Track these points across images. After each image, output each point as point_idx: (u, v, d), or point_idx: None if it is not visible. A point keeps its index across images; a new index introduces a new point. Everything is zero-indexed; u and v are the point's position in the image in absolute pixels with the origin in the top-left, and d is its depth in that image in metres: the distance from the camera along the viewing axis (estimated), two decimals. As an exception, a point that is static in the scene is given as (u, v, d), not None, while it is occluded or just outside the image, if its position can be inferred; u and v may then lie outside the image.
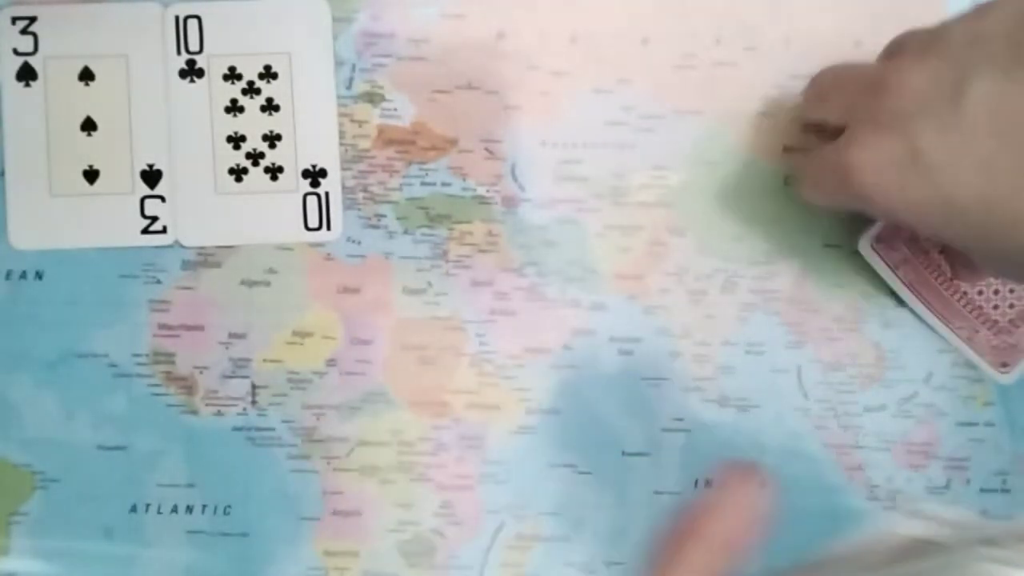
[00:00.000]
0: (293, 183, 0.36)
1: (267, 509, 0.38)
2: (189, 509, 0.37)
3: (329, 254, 0.37)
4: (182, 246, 0.36)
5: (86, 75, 0.36)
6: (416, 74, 0.37)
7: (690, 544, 0.26)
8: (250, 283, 0.37)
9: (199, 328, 0.37)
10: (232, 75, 0.36)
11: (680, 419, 0.38)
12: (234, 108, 0.36)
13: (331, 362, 0.37)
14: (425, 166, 0.37)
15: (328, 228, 0.36)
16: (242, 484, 0.37)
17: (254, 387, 0.37)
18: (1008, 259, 0.31)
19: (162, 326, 0.37)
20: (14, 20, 0.36)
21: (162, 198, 0.36)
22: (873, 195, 0.31)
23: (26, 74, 0.36)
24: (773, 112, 0.38)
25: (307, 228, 0.36)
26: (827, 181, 0.33)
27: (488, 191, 0.37)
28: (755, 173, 0.38)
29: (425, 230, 0.37)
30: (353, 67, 0.37)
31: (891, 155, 0.31)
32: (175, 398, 0.37)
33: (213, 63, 0.36)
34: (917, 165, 0.30)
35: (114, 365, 0.37)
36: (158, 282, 0.37)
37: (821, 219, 0.38)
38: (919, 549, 0.26)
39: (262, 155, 0.36)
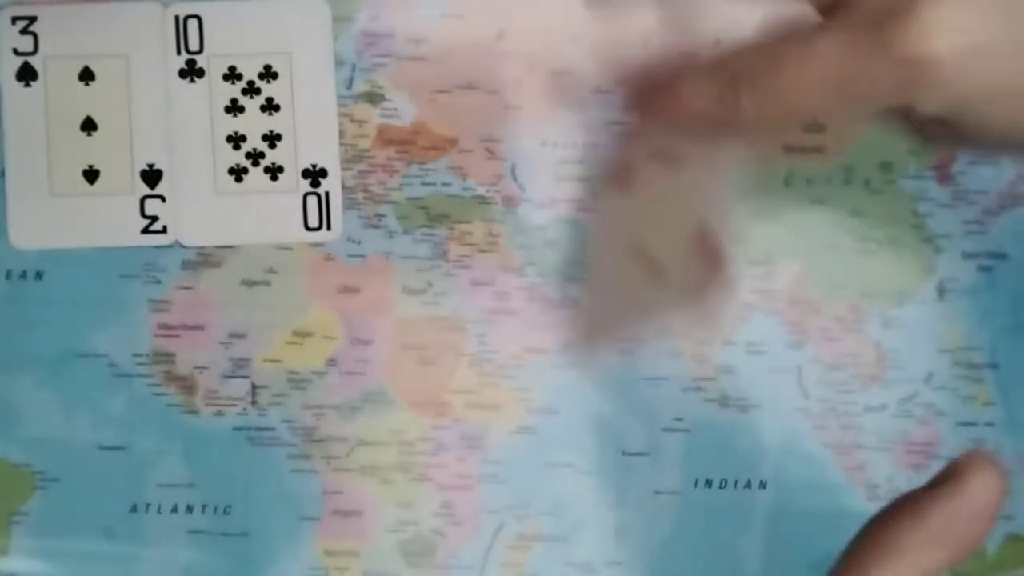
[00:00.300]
0: (293, 183, 0.36)
1: (267, 509, 0.38)
2: (189, 509, 0.37)
3: (329, 254, 0.37)
4: (182, 246, 0.36)
5: (86, 75, 0.36)
6: (416, 74, 0.37)
7: (918, 540, 0.25)
8: (250, 283, 0.37)
9: (199, 328, 0.37)
10: (232, 75, 0.36)
11: (680, 419, 0.38)
12: (234, 108, 0.36)
13: (331, 362, 0.37)
14: (425, 166, 0.37)
15: (328, 228, 0.36)
16: (242, 484, 0.37)
17: (254, 387, 0.37)
18: None
19: (162, 326, 0.37)
20: (14, 20, 0.36)
21: (162, 198, 0.36)
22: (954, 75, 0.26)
23: (26, 74, 0.36)
24: (773, 112, 0.38)
25: (307, 228, 0.36)
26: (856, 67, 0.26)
27: (488, 191, 0.37)
28: (755, 172, 0.38)
29: (425, 230, 0.37)
30: (353, 67, 0.37)
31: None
32: (175, 398, 0.37)
33: (213, 63, 0.36)
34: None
35: (114, 365, 0.37)
36: (158, 282, 0.37)
37: (821, 218, 0.38)
38: None
39: (262, 155, 0.36)
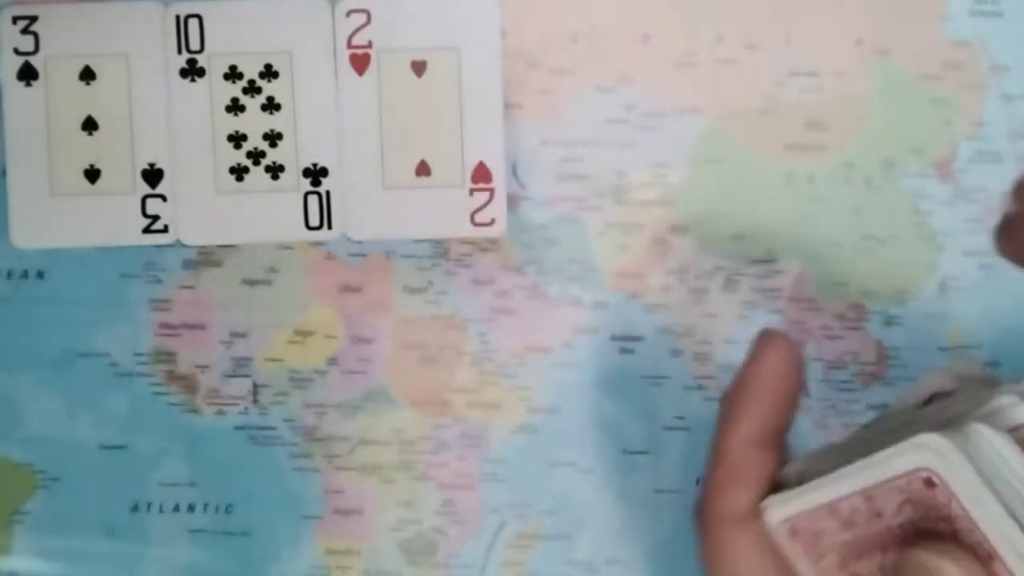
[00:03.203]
0: (294, 182, 0.36)
1: (269, 508, 0.38)
2: (191, 508, 0.38)
3: (330, 253, 0.37)
4: (183, 245, 0.36)
5: (87, 74, 0.36)
6: (417, 73, 0.37)
7: (744, 399, 0.30)
8: (251, 282, 0.37)
9: (200, 327, 0.37)
10: (233, 74, 0.36)
11: (681, 417, 0.38)
12: (235, 107, 0.36)
13: (332, 361, 0.37)
14: (426, 165, 0.37)
15: (329, 227, 0.36)
16: (244, 483, 0.38)
17: (255, 386, 0.37)
18: None
19: (163, 325, 0.37)
20: (15, 20, 0.36)
21: (163, 197, 0.36)
22: None
23: (27, 73, 0.36)
24: (774, 109, 0.38)
25: (308, 227, 0.36)
26: None
27: (489, 190, 0.37)
28: (756, 171, 0.38)
29: (426, 229, 0.37)
30: (354, 66, 0.37)
31: None
32: (177, 397, 0.37)
33: (214, 62, 0.36)
34: None
35: (115, 364, 0.37)
36: (159, 281, 0.37)
37: (823, 217, 0.38)
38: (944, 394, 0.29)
39: (263, 154, 0.36)
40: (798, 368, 0.30)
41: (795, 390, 0.30)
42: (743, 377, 0.30)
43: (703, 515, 0.30)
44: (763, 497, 0.30)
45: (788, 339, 0.30)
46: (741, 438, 0.30)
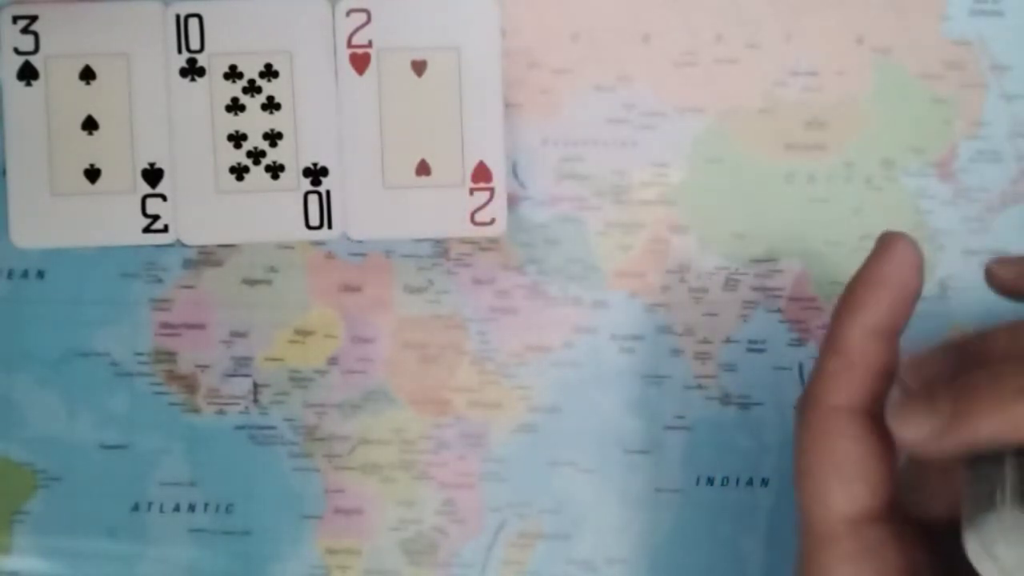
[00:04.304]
0: (294, 182, 0.36)
1: (269, 507, 0.38)
2: (191, 507, 0.38)
3: (330, 252, 0.37)
4: (183, 245, 0.36)
5: (87, 74, 0.36)
6: (417, 72, 0.37)
7: (867, 288, 0.30)
8: (251, 282, 0.37)
9: (200, 327, 0.37)
10: (233, 74, 0.36)
11: (682, 417, 0.38)
12: (235, 107, 0.36)
13: (332, 360, 0.37)
14: (426, 164, 0.37)
15: (329, 226, 0.36)
16: (244, 482, 0.38)
17: (256, 386, 0.37)
18: None
19: (163, 325, 0.37)
20: (15, 19, 0.36)
21: (163, 197, 0.36)
22: None
23: (27, 73, 0.36)
24: (775, 109, 0.38)
25: (308, 227, 0.36)
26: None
27: (489, 189, 0.37)
28: (757, 170, 0.38)
29: (426, 228, 0.37)
30: (354, 65, 0.37)
31: None
32: (177, 397, 0.37)
33: (214, 62, 0.36)
34: None
35: (116, 364, 0.37)
36: (159, 281, 0.37)
37: (823, 216, 0.38)
38: None
39: (263, 154, 0.36)
40: (918, 262, 0.30)
41: (914, 288, 0.30)
42: (866, 269, 0.30)
43: (812, 403, 0.30)
44: (874, 394, 0.29)
45: (910, 239, 0.30)
46: (861, 326, 0.29)
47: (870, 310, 0.30)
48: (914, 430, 0.27)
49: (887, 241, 0.30)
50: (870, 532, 0.29)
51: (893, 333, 0.30)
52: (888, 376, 0.30)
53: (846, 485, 0.29)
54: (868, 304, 0.30)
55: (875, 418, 0.29)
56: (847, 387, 0.29)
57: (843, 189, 0.38)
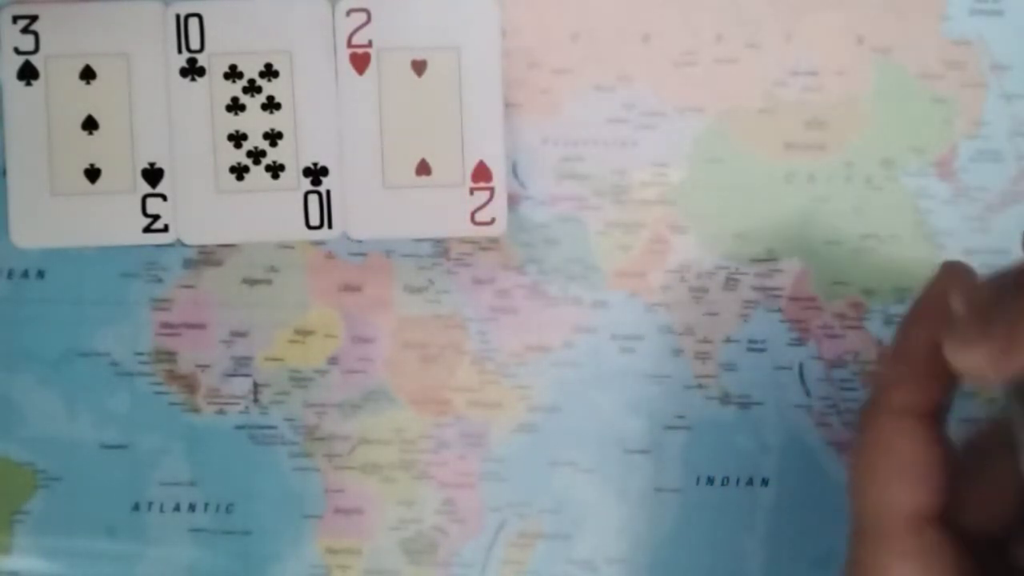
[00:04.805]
0: (294, 181, 0.36)
1: (269, 507, 0.38)
2: (191, 507, 0.38)
3: (330, 252, 0.37)
4: (183, 244, 0.36)
5: (87, 74, 0.36)
6: (417, 72, 0.37)
7: (936, 301, 0.31)
8: (251, 281, 0.37)
9: (201, 327, 0.37)
10: (233, 73, 0.36)
11: (682, 416, 0.38)
12: (235, 106, 0.36)
13: (333, 360, 0.37)
14: (426, 164, 0.37)
15: (329, 226, 0.36)
16: (244, 482, 0.38)
17: (256, 385, 0.37)
18: None
19: (164, 325, 0.37)
20: (15, 19, 0.36)
21: (163, 197, 0.36)
22: None
23: (27, 73, 0.36)
24: (775, 108, 0.38)
25: (308, 226, 0.36)
26: None
27: (489, 189, 0.37)
28: (757, 170, 0.38)
29: (426, 228, 0.37)
30: (354, 65, 0.37)
31: None
32: (177, 396, 0.37)
33: (214, 62, 0.36)
34: None
35: (116, 364, 0.37)
36: (159, 281, 0.37)
37: (823, 216, 0.38)
38: None
39: (263, 153, 0.36)
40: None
41: None
42: (933, 285, 0.32)
43: (879, 406, 0.31)
44: (939, 399, 0.30)
45: (970, 268, 0.32)
46: (928, 336, 0.30)
47: (936, 322, 0.30)
48: (971, 357, 0.28)
49: (950, 265, 0.32)
50: (929, 533, 0.30)
51: None
52: (950, 386, 0.31)
53: (908, 485, 0.30)
54: (934, 316, 0.31)
55: (937, 425, 0.31)
56: (913, 393, 0.31)
57: (843, 189, 0.38)
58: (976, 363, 0.28)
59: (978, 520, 0.31)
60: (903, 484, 0.30)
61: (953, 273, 0.32)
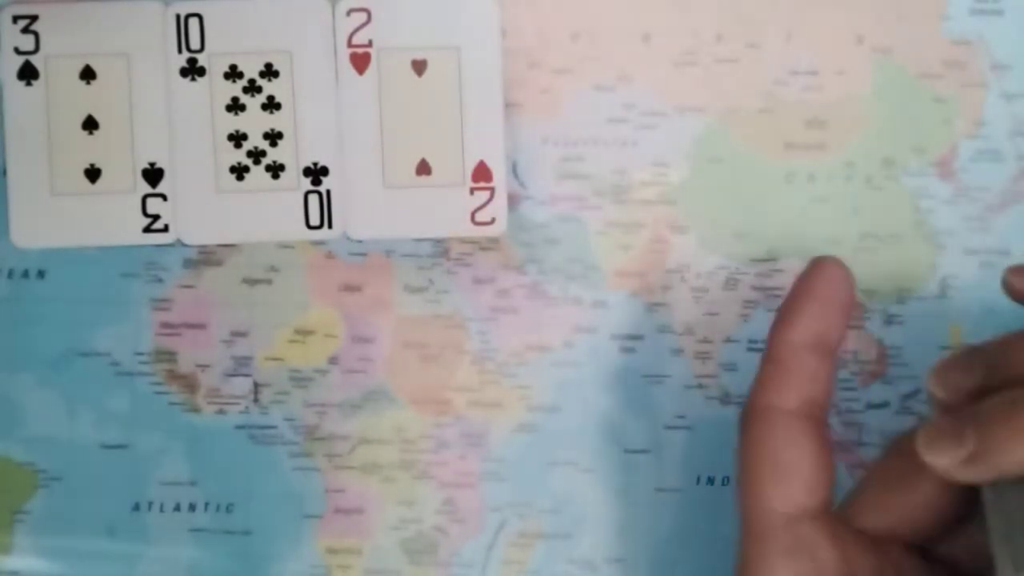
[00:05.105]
0: (294, 181, 0.36)
1: (269, 507, 0.38)
2: (192, 507, 0.38)
3: (330, 252, 0.37)
4: (184, 244, 0.36)
5: (87, 74, 0.36)
6: (417, 72, 0.37)
7: (796, 302, 0.33)
8: (252, 281, 0.37)
9: (201, 326, 0.37)
10: (233, 73, 0.36)
11: (682, 416, 0.38)
12: (235, 106, 0.36)
13: (333, 360, 0.37)
14: (426, 164, 0.37)
15: (329, 226, 0.36)
16: (244, 482, 0.38)
17: (256, 385, 0.37)
18: None
19: (164, 324, 0.37)
20: (15, 19, 0.36)
21: (164, 196, 0.36)
22: None
23: (27, 73, 0.36)
24: (775, 108, 0.38)
25: (308, 226, 0.36)
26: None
27: (489, 189, 0.37)
28: (757, 170, 0.38)
29: (426, 228, 0.37)
30: (354, 65, 0.37)
31: None
32: (177, 396, 0.37)
33: (214, 61, 0.36)
34: None
35: (116, 364, 0.37)
36: (160, 280, 0.37)
37: (823, 215, 0.38)
38: None
39: (263, 153, 0.36)
40: (847, 281, 0.33)
41: (845, 301, 0.33)
42: (798, 284, 0.33)
43: (751, 407, 0.32)
44: (809, 399, 0.31)
45: (838, 260, 0.33)
46: (791, 337, 0.32)
47: (802, 321, 0.32)
48: (943, 459, 0.29)
49: (817, 262, 0.33)
50: (805, 529, 0.31)
51: (826, 342, 0.32)
52: (822, 383, 0.32)
53: (782, 483, 0.31)
54: (797, 317, 0.32)
55: (810, 422, 0.31)
56: (784, 392, 0.32)
57: (843, 188, 0.38)
58: (948, 465, 0.28)
59: (888, 524, 0.31)
60: (778, 483, 0.31)
61: (822, 269, 0.33)
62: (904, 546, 0.32)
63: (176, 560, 0.37)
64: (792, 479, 0.31)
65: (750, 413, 0.32)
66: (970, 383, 0.30)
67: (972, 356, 0.30)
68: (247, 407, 0.37)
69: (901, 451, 0.31)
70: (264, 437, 0.37)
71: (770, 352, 0.32)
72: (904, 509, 0.31)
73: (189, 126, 0.36)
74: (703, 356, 0.38)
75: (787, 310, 0.33)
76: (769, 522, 0.31)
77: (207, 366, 0.37)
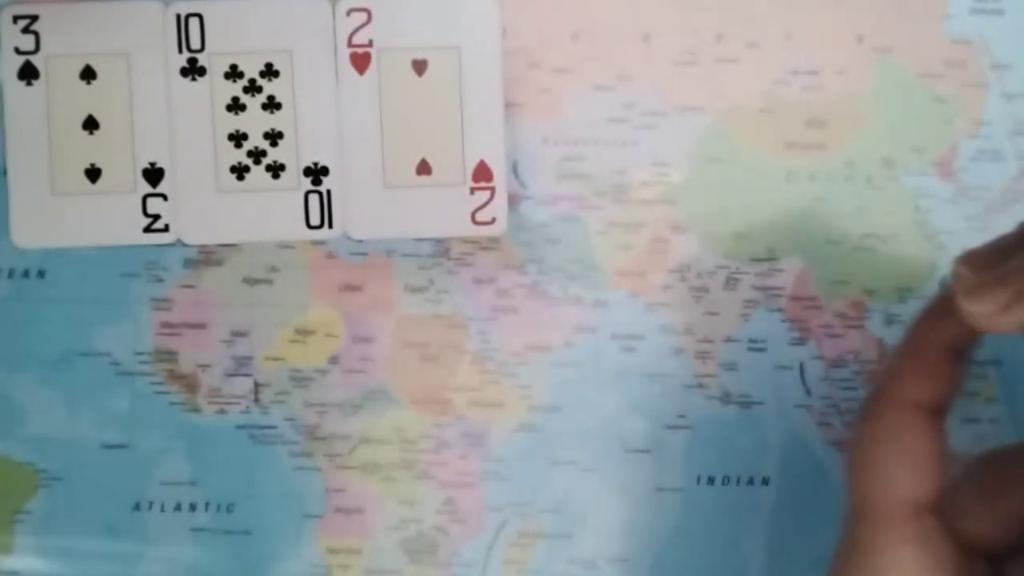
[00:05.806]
0: (295, 181, 0.36)
1: (270, 507, 0.38)
2: (192, 507, 0.38)
3: (331, 252, 0.37)
4: (184, 244, 0.36)
5: (88, 74, 0.36)
6: (417, 72, 0.37)
7: (950, 305, 0.31)
8: (252, 281, 0.37)
9: (201, 326, 0.37)
10: (233, 73, 0.36)
11: (683, 416, 0.38)
12: (236, 106, 0.36)
13: (333, 360, 0.37)
14: (426, 164, 0.37)
15: (330, 226, 0.36)
16: (245, 482, 0.38)
17: (256, 385, 0.37)
18: None
19: (164, 324, 0.37)
20: (16, 19, 0.36)
21: (164, 196, 0.36)
22: None
23: (28, 73, 0.36)
24: (775, 108, 0.38)
25: (309, 226, 0.36)
26: None
27: (490, 188, 0.37)
28: (757, 169, 0.38)
29: (427, 228, 0.37)
30: (354, 65, 0.37)
31: None
32: (178, 396, 0.37)
33: (214, 61, 0.36)
34: None
35: (117, 363, 0.37)
36: (160, 280, 0.37)
37: (823, 215, 0.38)
38: None
39: (264, 153, 0.36)
40: None
41: None
42: (947, 293, 0.32)
43: (888, 397, 0.32)
44: (942, 397, 0.32)
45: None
46: (939, 336, 0.32)
47: (952, 321, 0.31)
48: (984, 304, 0.29)
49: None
50: (931, 521, 0.31)
51: (967, 345, 0.32)
52: (956, 384, 0.32)
53: (912, 473, 0.31)
54: (951, 315, 0.31)
55: (939, 420, 0.32)
56: (923, 388, 0.32)
57: (843, 188, 0.38)
58: (988, 310, 0.29)
59: (981, 531, 0.31)
60: (907, 472, 0.31)
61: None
62: (984, 558, 0.32)
63: (176, 560, 0.38)
64: (923, 470, 0.31)
65: (885, 402, 0.32)
66: (997, 260, 0.30)
67: (997, 241, 0.30)
68: (247, 407, 0.37)
69: (997, 461, 0.31)
70: (264, 437, 0.37)
71: (914, 346, 0.32)
72: (1000, 515, 0.31)
73: (189, 126, 0.36)
74: (703, 356, 0.38)
75: (938, 309, 0.32)
76: (899, 509, 0.31)
77: (207, 366, 0.37)
